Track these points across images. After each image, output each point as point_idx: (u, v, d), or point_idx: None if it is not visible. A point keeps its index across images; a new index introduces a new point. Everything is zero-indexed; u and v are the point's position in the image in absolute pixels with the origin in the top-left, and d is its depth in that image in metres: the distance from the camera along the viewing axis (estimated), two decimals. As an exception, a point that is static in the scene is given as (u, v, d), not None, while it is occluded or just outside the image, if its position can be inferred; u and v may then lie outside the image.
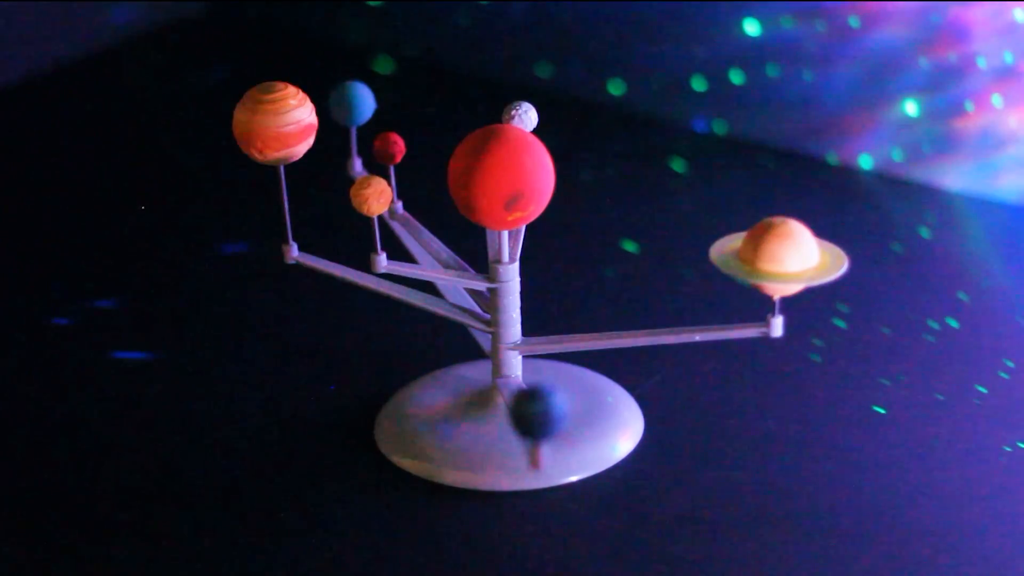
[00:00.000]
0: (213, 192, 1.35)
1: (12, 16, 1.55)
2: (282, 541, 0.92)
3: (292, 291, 1.15)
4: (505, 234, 0.94)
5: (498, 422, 0.98)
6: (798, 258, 0.87)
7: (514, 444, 0.96)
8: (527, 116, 0.95)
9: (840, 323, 1.11)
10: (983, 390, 1.03)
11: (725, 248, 0.90)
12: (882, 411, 1.01)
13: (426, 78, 1.54)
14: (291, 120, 0.91)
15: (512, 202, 0.90)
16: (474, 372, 1.03)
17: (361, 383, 1.05)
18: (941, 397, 1.02)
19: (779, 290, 0.88)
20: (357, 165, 1.05)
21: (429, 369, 1.05)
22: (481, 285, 0.95)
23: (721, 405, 1.02)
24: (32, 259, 1.26)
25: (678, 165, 1.34)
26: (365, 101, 1.02)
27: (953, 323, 1.11)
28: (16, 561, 0.91)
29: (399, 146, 0.98)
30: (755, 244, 0.87)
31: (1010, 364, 1.05)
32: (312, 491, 0.96)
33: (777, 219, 0.88)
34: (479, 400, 0.99)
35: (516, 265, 0.95)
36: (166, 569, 0.90)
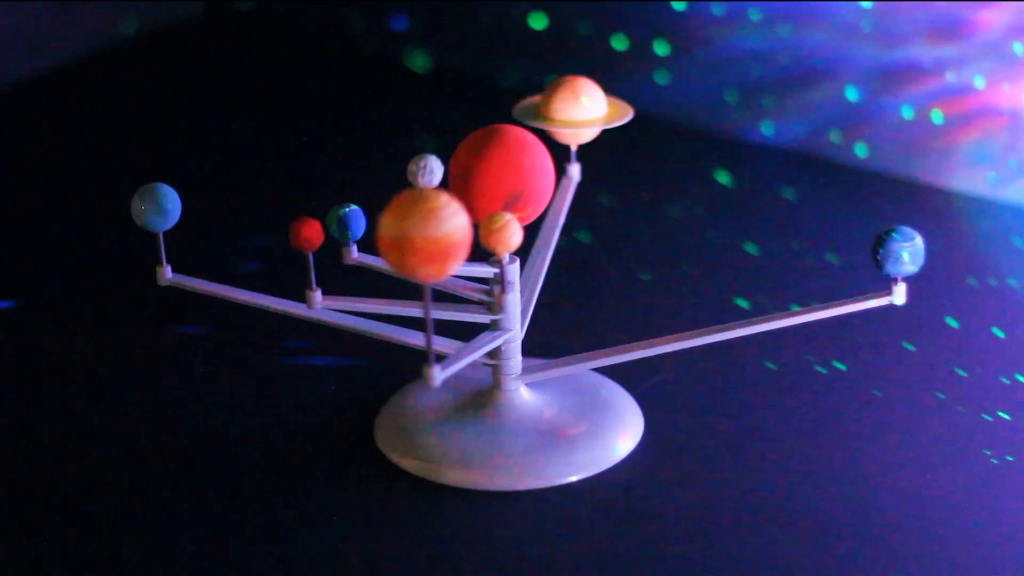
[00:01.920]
0: (214, 191, 1.35)
1: (12, 16, 1.55)
2: (282, 540, 0.92)
3: (292, 289, 1.15)
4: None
5: (498, 422, 0.98)
6: (590, 108, 0.97)
7: (514, 444, 0.96)
8: (432, 171, 0.87)
9: (839, 323, 1.12)
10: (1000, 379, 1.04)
11: (527, 103, 0.99)
12: (882, 411, 1.02)
13: (429, 78, 1.55)
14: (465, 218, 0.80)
15: (511, 202, 0.90)
16: (474, 372, 1.03)
17: (361, 383, 1.05)
18: (941, 397, 1.02)
19: (574, 137, 0.98)
20: (167, 272, 0.97)
21: (429, 369, 1.05)
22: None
23: (721, 405, 1.02)
24: (31, 258, 1.26)
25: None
26: (175, 203, 0.94)
27: (953, 323, 1.11)
28: (14, 560, 0.91)
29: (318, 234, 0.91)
30: (551, 97, 0.96)
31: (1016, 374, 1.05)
32: (312, 491, 0.96)
33: (569, 76, 0.97)
34: (479, 400, 0.99)
35: (516, 265, 0.95)
36: (165, 568, 0.90)
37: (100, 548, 0.91)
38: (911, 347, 1.08)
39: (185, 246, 1.26)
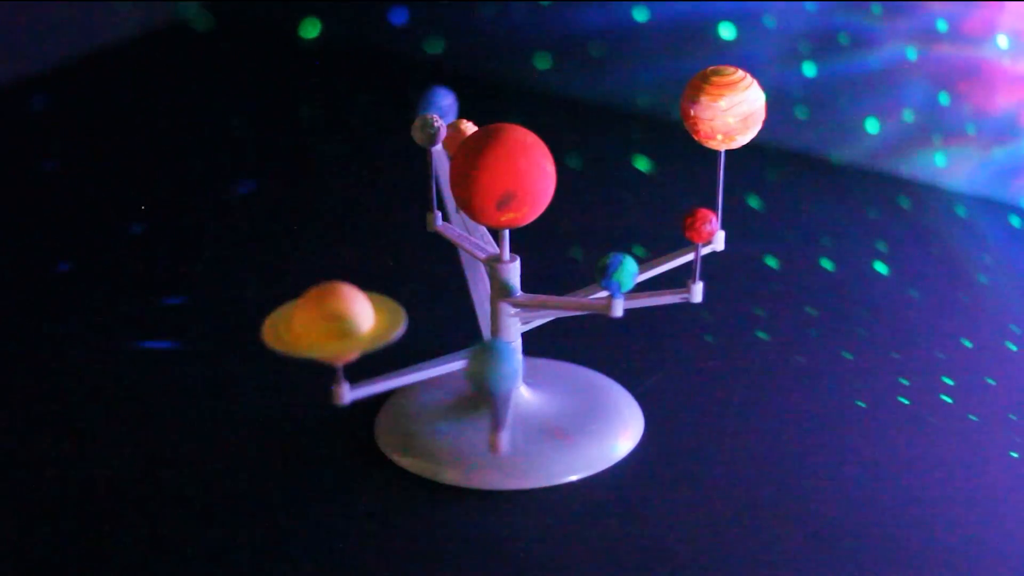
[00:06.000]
0: (212, 190, 1.35)
1: (13, 16, 1.55)
2: (282, 541, 0.92)
3: (291, 289, 1.15)
4: (506, 233, 0.94)
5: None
6: (362, 320, 0.80)
7: (513, 444, 0.96)
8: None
9: (840, 324, 1.12)
10: (991, 382, 1.03)
11: (278, 325, 0.81)
12: (886, 411, 1.02)
13: (431, 79, 1.54)
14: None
15: (503, 202, 0.90)
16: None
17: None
18: (946, 398, 1.02)
19: (344, 359, 0.82)
20: (504, 439, 0.84)
21: (429, 369, 1.05)
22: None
23: (721, 405, 1.02)
24: (31, 259, 1.26)
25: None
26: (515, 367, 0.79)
27: (956, 323, 1.11)
28: (13, 560, 0.91)
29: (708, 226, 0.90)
30: (313, 318, 0.79)
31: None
32: (312, 491, 0.96)
33: (325, 287, 0.80)
34: (479, 400, 0.99)
35: (517, 264, 0.95)
36: (165, 569, 0.90)
37: (98, 548, 0.92)
38: (909, 348, 1.09)
39: (187, 243, 1.27)
